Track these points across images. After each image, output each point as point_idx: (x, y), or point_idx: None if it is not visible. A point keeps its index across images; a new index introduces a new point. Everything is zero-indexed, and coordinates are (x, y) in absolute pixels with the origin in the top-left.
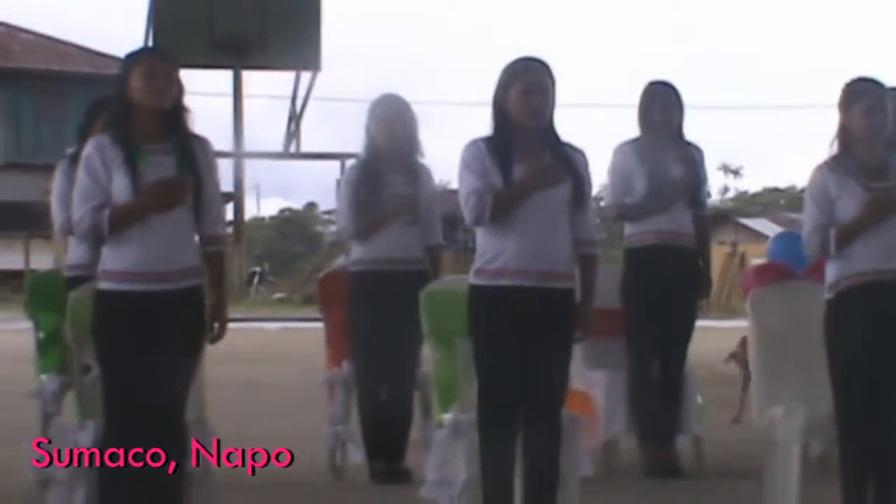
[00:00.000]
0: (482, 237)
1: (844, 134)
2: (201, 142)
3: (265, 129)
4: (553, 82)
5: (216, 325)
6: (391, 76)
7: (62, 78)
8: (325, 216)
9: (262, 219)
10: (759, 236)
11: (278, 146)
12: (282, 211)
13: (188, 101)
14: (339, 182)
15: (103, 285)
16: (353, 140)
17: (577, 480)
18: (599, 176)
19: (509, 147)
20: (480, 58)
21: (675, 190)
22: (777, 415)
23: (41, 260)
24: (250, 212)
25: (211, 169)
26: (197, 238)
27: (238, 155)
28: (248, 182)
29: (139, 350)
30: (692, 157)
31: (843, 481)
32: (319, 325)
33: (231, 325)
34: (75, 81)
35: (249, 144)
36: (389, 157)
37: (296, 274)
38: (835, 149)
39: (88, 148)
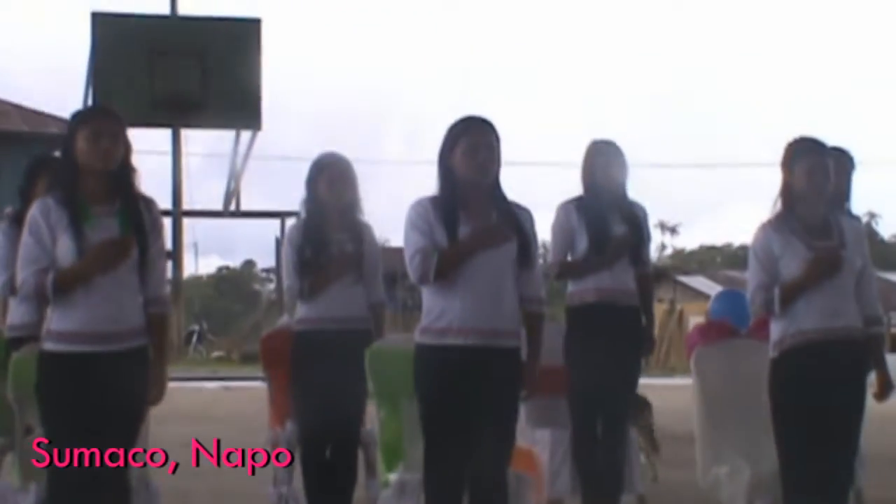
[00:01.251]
0: (428, 296)
1: (787, 192)
2: (147, 202)
3: (204, 187)
4: (498, 140)
5: (156, 386)
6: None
7: None
8: (263, 274)
9: (200, 277)
10: (697, 294)
11: (217, 204)
12: (220, 269)
13: (134, 160)
14: (278, 240)
15: (48, 346)
16: (292, 198)
17: None
18: (543, 234)
19: (455, 205)
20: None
21: (617, 247)
22: (722, 474)
23: None
24: (188, 269)
25: (156, 230)
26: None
27: (178, 213)
28: (186, 240)
29: (84, 410)
30: (635, 216)
31: None
32: (259, 384)
33: (171, 385)
34: (12, 140)
35: (188, 202)
36: (333, 215)
37: (234, 332)
38: (778, 207)
39: (33, 210)
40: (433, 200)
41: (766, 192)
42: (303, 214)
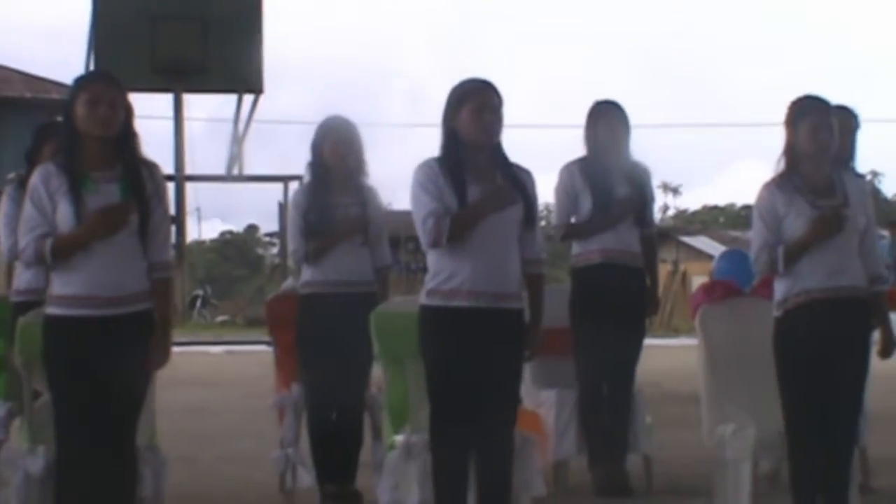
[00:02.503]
0: (436, 258)
1: (791, 152)
2: (150, 167)
3: (206, 152)
4: (501, 102)
5: (160, 351)
6: (332, 97)
7: (0, 103)
8: (267, 238)
9: (203, 242)
10: (700, 254)
11: (219, 169)
12: (223, 234)
13: (136, 125)
14: (281, 204)
15: (51, 310)
16: (295, 162)
17: (529, 500)
18: (545, 196)
19: (461, 167)
20: (423, 79)
21: (621, 208)
22: (727, 432)
23: None
24: (191, 235)
25: (158, 195)
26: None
27: (181, 178)
28: (189, 205)
29: (89, 375)
30: (639, 176)
31: (794, 497)
32: (264, 347)
33: (175, 349)
34: (14, 106)
35: (190, 167)
36: (338, 178)
37: (238, 297)
38: (781, 166)
39: (34, 177)
40: (439, 162)
41: (768, 152)
42: (307, 178)
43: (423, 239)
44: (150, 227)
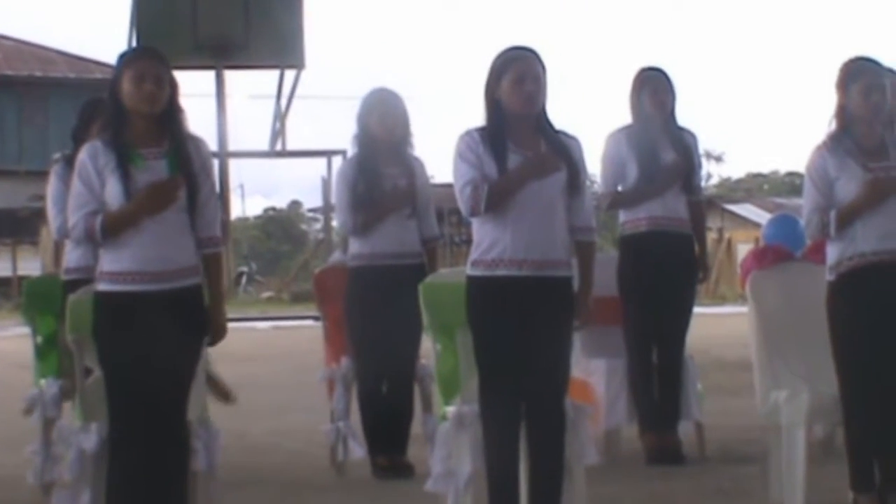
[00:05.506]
0: (478, 228)
1: (842, 114)
2: (196, 142)
3: (248, 128)
4: (544, 70)
5: (215, 326)
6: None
7: (45, 84)
8: (310, 214)
9: (247, 219)
10: (745, 222)
11: (261, 145)
12: (266, 210)
13: (182, 101)
14: (324, 179)
15: (101, 287)
16: (338, 137)
17: (582, 469)
18: (593, 163)
19: (503, 136)
20: (468, 51)
21: (668, 175)
22: (781, 398)
23: (29, 266)
24: (235, 212)
25: (205, 170)
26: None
27: (224, 154)
28: (232, 182)
29: (140, 350)
30: (685, 143)
31: (851, 462)
32: (311, 322)
33: None
34: (58, 87)
35: (233, 144)
36: (385, 150)
37: (283, 273)
38: (833, 128)
39: (82, 154)
40: (481, 132)
41: (813, 118)
42: (354, 150)
43: (462, 207)
44: (198, 203)
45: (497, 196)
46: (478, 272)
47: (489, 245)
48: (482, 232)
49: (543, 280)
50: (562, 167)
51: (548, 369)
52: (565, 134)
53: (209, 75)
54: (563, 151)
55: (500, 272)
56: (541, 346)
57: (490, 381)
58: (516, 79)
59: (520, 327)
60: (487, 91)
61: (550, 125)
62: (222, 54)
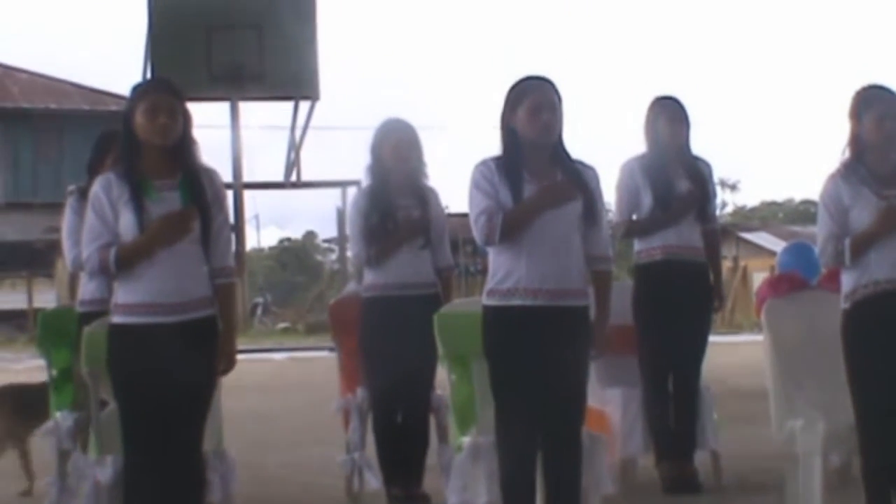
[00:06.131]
0: (493, 257)
1: (856, 142)
2: (209, 174)
3: (263, 159)
4: (560, 99)
5: (225, 356)
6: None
7: (59, 116)
8: (325, 245)
9: (262, 249)
10: (760, 250)
11: (276, 176)
12: (281, 241)
13: (195, 132)
14: (339, 210)
15: (116, 319)
16: (352, 168)
17: (599, 499)
18: (610, 192)
19: (519, 165)
20: (479, 82)
21: (682, 204)
22: (797, 427)
23: (44, 299)
24: (250, 243)
25: (218, 201)
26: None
27: (239, 185)
28: (247, 213)
29: (155, 382)
30: (700, 172)
31: (867, 491)
32: (326, 353)
33: (239, 357)
34: (72, 119)
35: (248, 175)
36: (398, 180)
37: (298, 303)
38: (846, 156)
39: (95, 186)
40: (497, 161)
41: (827, 146)
42: (368, 181)
43: (477, 237)
44: (211, 234)
45: (512, 225)
46: (493, 302)
47: (504, 275)
48: (497, 261)
49: (559, 309)
50: (578, 196)
51: (565, 399)
52: (582, 163)
53: (224, 106)
54: (579, 180)
55: (516, 302)
56: (558, 375)
57: (506, 412)
58: (532, 108)
59: (536, 357)
60: (503, 120)
61: (567, 154)
62: (237, 85)
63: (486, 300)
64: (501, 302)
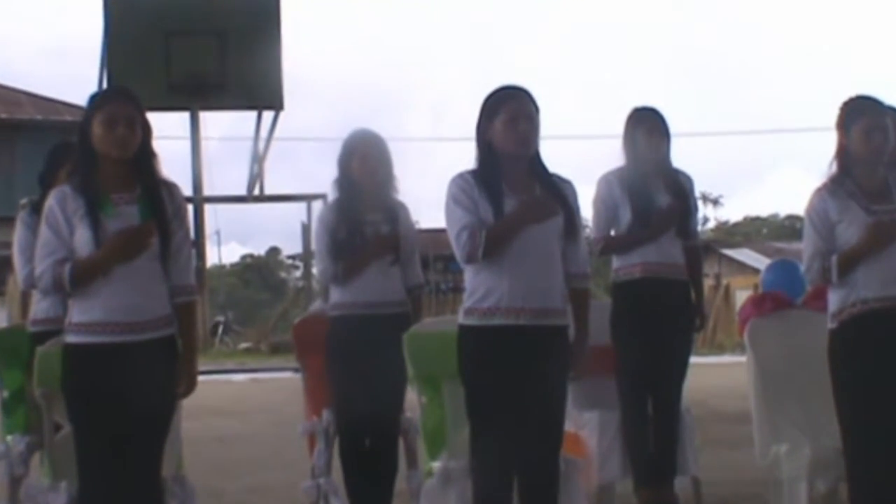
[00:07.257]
0: (472, 275)
1: (843, 155)
2: (169, 187)
3: (225, 172)
4: (537, 110)
5: (186, 377)
6: (354, 113)
7: (11, 126)
8: (289, 261)
9: (223, 266)
10: (743, 267)
11: (238, 189)
12: (243, 257)
13: (155, 144)
14: (304, 225)
15: (71, 339)
16: (318, 181)
17: None
18: (586, 207)
19: (498, 179)
20: (447, 92)
21: (662, 219)
22: (781, 451)
23: None
24: (211, 259)
25: (179, 216)
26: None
27: (199, 199)
28: (208, 228)
29: (112, 405)
30: (681, 185)
31: None
32: (290, 374)
33: (199, 378)
34: (25, 130)
35: (209, 188)
36: (367, 194)
37: (261, 322)
38: (833, 170)
39: (50, 200)
40: (474, 174)
41: (812, 159)
42: (335, 194)
43: (458, 254)
44: (171, 250)
45: (496, 242)
46: (472, 321)
47: (484, 293)
48: (477, 280)
49: (540, 329)
50: (559, 211)
51: (543, 422)
52: (559, 177)
53: (184, 116)
54: (558, 195)
55: (496, 321)
56: (537, 397)
57: (482, 435)
58: (509, 119)
59: (513, 378)
60: (479, 132)
61: (544, 167)
62: (197, 95)
63: (463, 319)
64: (481, 322)
